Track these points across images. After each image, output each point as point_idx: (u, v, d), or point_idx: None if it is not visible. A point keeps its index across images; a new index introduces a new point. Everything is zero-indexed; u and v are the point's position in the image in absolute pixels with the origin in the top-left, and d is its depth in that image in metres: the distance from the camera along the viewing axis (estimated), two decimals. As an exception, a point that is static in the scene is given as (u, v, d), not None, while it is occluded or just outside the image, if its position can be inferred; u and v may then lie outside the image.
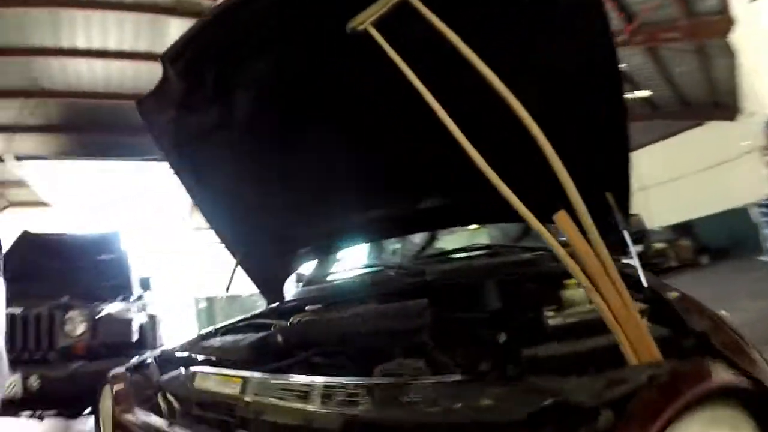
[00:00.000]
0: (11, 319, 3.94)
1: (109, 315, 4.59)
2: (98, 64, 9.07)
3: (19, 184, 11.24)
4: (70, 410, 4.38)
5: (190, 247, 12.63)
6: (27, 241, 5.49)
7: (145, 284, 5.76)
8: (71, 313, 4.41)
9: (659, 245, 13.02)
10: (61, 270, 5.09)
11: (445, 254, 2.79)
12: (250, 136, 2.07)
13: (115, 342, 4.40)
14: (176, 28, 7.98)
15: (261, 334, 1.90)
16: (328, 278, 2.94)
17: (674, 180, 15.84)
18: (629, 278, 1.27)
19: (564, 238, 1.20)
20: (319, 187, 2.27)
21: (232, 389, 1.47)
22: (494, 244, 2.60)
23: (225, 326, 2.37)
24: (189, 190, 2.35)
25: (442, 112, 1.32)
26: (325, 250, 2.83)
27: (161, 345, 4.22)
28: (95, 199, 10.88)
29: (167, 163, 2.30)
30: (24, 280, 4.66)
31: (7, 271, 4.33)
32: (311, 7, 1.57)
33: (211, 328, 2.33)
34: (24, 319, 4.27)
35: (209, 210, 2.48)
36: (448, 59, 1.33)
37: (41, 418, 4.23)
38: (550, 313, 1.34)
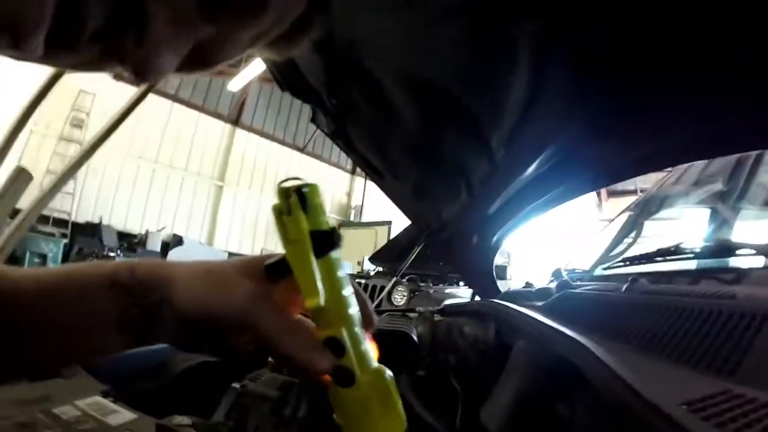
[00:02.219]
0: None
1: (426, 293, 4.82)
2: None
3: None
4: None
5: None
6: (408, 231, 6.17)
7: (500, 274, 5.61)
8: (399, 288, 4.89)
9: None
10: (422, 255, 5.48)
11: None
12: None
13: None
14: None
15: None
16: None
17: None
18: None
19: None
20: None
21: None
22: None
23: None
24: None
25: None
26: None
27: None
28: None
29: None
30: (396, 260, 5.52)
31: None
32: None
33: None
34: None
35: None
36: None
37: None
38: None
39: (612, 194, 16.31)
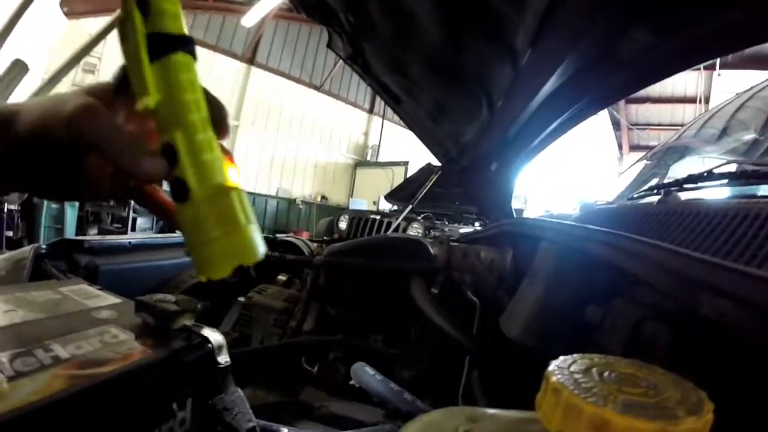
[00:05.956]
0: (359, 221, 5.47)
1: (441, 231, 4.77)
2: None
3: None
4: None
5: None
6: (426, 170, 6.24)
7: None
8: (414, 224, 4.83)
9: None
10: (440, 195, 5.60)
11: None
12: None
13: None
14: None
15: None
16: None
17: None
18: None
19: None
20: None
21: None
22: None
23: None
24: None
25: None
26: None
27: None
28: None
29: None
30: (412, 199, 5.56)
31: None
32: None
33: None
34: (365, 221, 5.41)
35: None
36: None
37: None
38: None
39: (634, 148, 15.96)
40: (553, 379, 0.22)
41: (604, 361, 0.24)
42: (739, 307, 0.37)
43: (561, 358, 0.24)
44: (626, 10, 0.93)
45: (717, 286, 0.39)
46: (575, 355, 0.24)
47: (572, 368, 0.23)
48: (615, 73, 1.16)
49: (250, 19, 10.36)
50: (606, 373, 0.23)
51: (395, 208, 6.74)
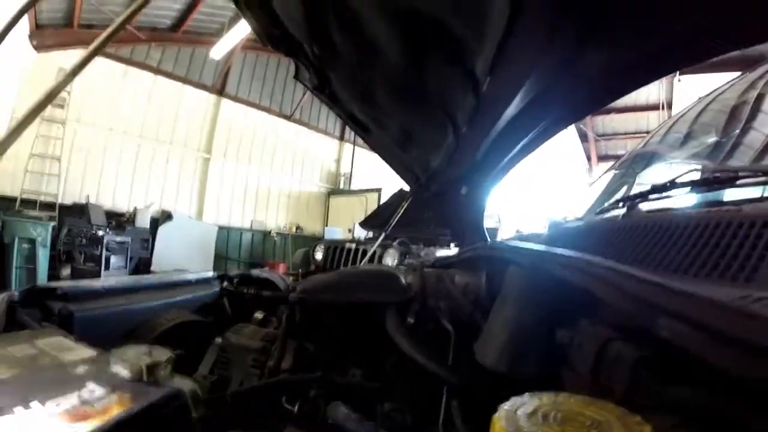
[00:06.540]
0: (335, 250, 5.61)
1: (417, 255, 4.77)
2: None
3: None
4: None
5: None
6: (398, 196, 6.28)
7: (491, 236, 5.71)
8: (390, 250, 4.89)
9: None
10: (414, 219, 5.50)
11: None
12: None
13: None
14: None
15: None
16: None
17: None
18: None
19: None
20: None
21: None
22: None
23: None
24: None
25: None
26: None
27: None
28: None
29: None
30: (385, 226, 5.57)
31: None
32: None
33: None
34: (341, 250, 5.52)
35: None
36: None
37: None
38: None
39: (602, 158, 16.30)
40: (498, 426, 0.24)
41: (552, 401, 0.26)
42: (693, 329, 0.38)
43: (511, 400, 0.25)
44: (578, 31, 0.98)
45: (673, 310, 0.41)
46: (525, 396, 0.26)
47: (519, 412, 0.24)
48: (575, 93, 1.21)
49: (218, 50, 10.40)
50: (552, 414, 0.24)
51: (370, 234, 6.73)
